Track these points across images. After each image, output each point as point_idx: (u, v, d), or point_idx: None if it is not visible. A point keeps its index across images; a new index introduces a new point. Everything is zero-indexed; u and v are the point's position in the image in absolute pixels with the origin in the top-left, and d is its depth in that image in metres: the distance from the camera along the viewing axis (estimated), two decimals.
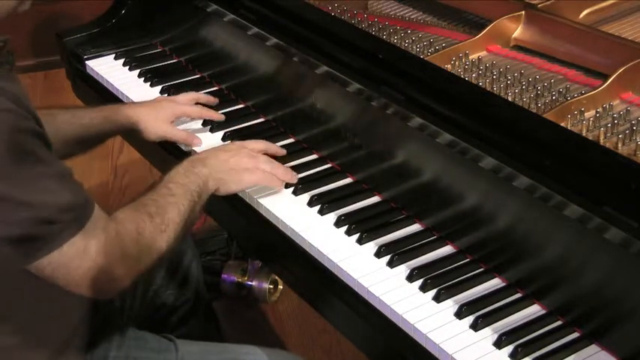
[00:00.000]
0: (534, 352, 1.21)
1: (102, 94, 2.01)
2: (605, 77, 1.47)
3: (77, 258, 1.20)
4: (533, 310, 1.28)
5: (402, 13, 1.87)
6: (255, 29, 1.80)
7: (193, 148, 1.69)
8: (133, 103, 1.74)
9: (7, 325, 1.28)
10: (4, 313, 1.28)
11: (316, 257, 1.42)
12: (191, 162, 1.47)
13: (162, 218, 1.34)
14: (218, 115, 1.76)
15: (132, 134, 1.70)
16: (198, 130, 1.77)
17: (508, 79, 1.54)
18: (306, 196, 1.54)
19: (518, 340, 1.22)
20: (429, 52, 1.65)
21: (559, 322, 1.25)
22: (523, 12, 1.67)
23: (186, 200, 1.39)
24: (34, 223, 1.15)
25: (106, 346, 1.45)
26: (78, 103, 2.24)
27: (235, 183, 1.50)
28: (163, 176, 1.44)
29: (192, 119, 1.79)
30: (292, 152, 1.67)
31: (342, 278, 1.37)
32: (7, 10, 1.26)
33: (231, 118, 1.79)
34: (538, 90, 1.51)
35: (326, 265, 1.40)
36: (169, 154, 1.76)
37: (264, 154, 1.57)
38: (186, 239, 1.84)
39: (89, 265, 1.21)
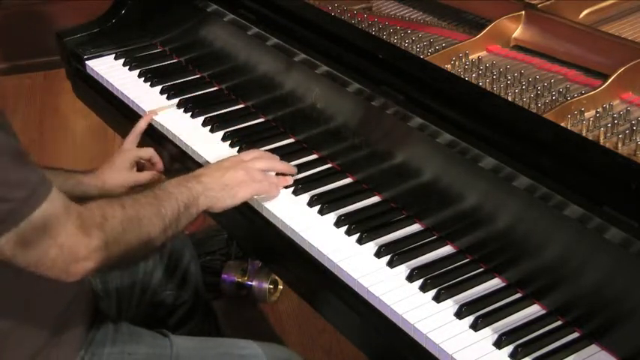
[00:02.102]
0: (534, 352, 1.21)
1: (102, 94, 2.01)
2: (605, 77, 1.47)
3: (35, 236, 1.19)
4: (533, 310, 1.28)
5: (402, 13, 1.87)
6: (255, 29, 1.80)
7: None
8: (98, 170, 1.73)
9: None
10: None
11: (316, 257, 1.42)
12: (185, 177, 1.45)
13: (136, 212, 1.32)
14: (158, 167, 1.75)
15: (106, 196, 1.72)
16: (198, 131, 1.77)
17: (508, 79, 1.54)
18: (306, 196, 1.54)
19: (518, 340, 1.22)
20: (429, 52, 1.65)
21: (559, 322, 1.25)
22: (523, 12, 1.67)
23: (170, 207, 1.37)
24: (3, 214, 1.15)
25: (100, 341, 1.45)
26: (78, 103, 2.24)
27: (230, 198, 1.47)
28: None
29: (192, 121, 1.79)
30: (292, 152, 1.67)
31: (342, 278, 1.37)
32: None
33: (231, 118, 1.79)
34: (538, 90, 1.51)
35: (326, 265, 1.40)
36: (170, 154, 1.76)
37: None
38: (184, 240, 1.84)
39: (48, 243, 1.20)
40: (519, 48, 1.66)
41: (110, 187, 1.67)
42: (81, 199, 1.62)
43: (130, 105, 1.92)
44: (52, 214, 1.20)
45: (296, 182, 1.57)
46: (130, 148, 1.73)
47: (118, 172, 1.68)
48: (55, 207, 1.21)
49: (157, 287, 1.73)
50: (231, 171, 1.48)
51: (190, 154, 1.72)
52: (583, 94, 1.46)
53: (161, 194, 1.38)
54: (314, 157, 1.66)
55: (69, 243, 1.21)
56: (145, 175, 1.71)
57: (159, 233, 1.35)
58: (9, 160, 1.19)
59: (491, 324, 1.25)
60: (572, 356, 1.21)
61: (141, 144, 1.77)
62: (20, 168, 1.20)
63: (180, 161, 1.75)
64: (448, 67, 1.59)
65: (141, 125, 1.75)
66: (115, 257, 1.29)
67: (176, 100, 1.87)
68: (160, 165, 1.72)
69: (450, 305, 1.29)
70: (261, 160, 1.54)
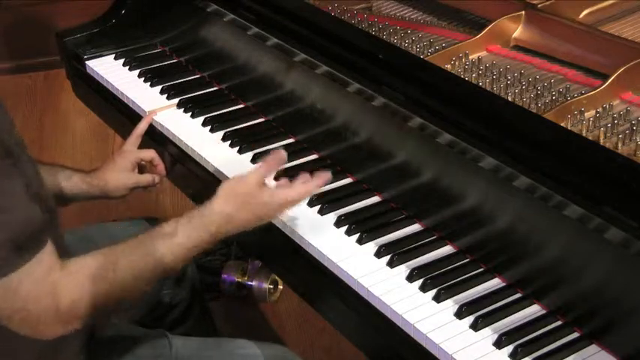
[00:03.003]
0: (534, 352, 1.21)
1: (102, 94, 2.01)
2: (605, 77, 1.47)
3: (6, 295, 1.15)
4: (533, 310, 1.28)
5: (402, 13, 1.87)
6: (255, 29, 1.80)
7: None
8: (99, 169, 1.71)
9: None
10: None
11: (316, 257, 1.42)
12: (217, 224, 1.31)
13: (120, 284, 1.23)
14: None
15: (107, 197, 1.69)
16: (198, 131, 1.77)
17: (508, 79, 1.54)
18: None
19: (518, 340, 1.22)
20: (429, 52, 1.65)
21: (559, 322, 1.25)
22: (523, 12, 1.67)
23: (173, 262, 1.30)
24: None
25: (100, 342, 1.45)
26: (78, 104, 2.24)
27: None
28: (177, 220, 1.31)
29: (192, 121, 1.80)
30: (292, 152, 1.67)
31: (342, 278, 1.37)
32: None
33: (231, 118, 1.79)
34: (538, 90, 1.51)
35: (326, 265, 1.40)
36: (170, 154, 1.76)
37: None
38: None
39: (16, 306, 1.16)
40: (519, 48, 1.66)
41: (112, 188, 1.67)
42: (77, 197, 1.63)
43: (130, 105, 1.92)
44: (31, 277, 1.15)
45: None
46: (131, 149, 1.72)
47: (120, 173, 1.68)
48: (37, 270, 1.16)
49: (154, 287, 1.73)
50: (267, 209, 1.35)
51: (190, 154, 1.72)
52: (583, 94, 1.46)
53: (162, 250, 1.28)
54: (314, 157, 1.66)
55: (38, 313, 1.17)
56: (146, 178, 1.70)
57: (141, 290, 1.30)
58: (11, 184, 1.16)
59: (491, 324, 1.25)
60: (572, 356, 1.21)
61: (141, 145, 1.77)
62: (22, 200, 1.16)
63: (180, 162, 1.75)
64: (448, 67, 1.59)
65: (141, 126, 1.74)
66: (89, 322, 1.25)
67: (176, 100, 1.87)
68: (161, 167, 1.71)
69: (450, 305, 1.29)
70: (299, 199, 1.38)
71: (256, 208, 1.34)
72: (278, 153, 1.41)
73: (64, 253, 1.27)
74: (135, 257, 1.26)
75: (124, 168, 1.68)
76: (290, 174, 1.59)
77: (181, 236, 1.29)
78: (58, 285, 1.18)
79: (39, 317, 1.18)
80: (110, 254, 1.26)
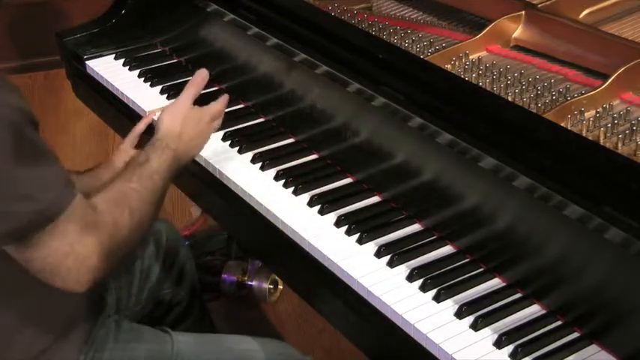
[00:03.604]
0: (534, 352, 1.21)
1: (102, 94, 2.01)
2: (605, 77, 1.47)
3: (56, 241, 1.20)
4: (533, 310, 1.28)
5: (402, 13, 1.87)
6: (255, 29, 1.80)
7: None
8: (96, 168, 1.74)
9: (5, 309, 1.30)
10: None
11: (316, 257, 1.42)
12: (173, 142, 1.50)
13: (141, 215, 1.35)
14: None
15: None
16: None
17: (508, 79, 1.54)
18: (306, 196, 1.54)
19: (518, 340, 1.22)
20: (429, 52, 1.65)
21: (559, 322, 1.25)
22: (523, 12, 1.67)
23: (165, 191, 1.45)
24: (32, 215, 1.18)
25: (102, 339, 1.46)
26: (78, 103, 2.24)
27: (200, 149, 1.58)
28: (144, 150, 1.47)
29: None
30: (292, 152, 1.67)
31: (342, 278, 1.37)
32: None
33: (231, 118, 1.79)
34: (538, 90, 1.51)
35: (326, 265, 1.40)
36: None
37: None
38: (179, 239, 1.85)
39: (66, 250, 1.21)
40: (519, 48, 1.66)
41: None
42: None
43: (130, 105, 1.92)
44: (73, 221, 1.22)
45: (296, 182, 1.57)
46: (129, 148, 1.73)
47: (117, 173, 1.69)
48: (76, 213, 1.23)
49: (154, 286, 1.74)
50: (205, 127, 1.58)
51: None
52: (583, 94, 1.46)
53: (159, 181, 1.42)
54: (314, 157, 1.66)
55: (85, 253, 1.23)
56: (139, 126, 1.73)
57: (152, 219, 1.41)
58: (38, 158, 1.21)
59: (491, 324, 1.25)
60: (572, 356, 1.21)
61: (140, 144, 1.76)
62: (48, 167, 1.22)
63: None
64: (448, 67, 1.59)
65: (140, 126, 1.75)
66: (119, 262, 1.32)
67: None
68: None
69: (450, 305, 1.29)
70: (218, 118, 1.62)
71: (195, 125, 1.56)
72: (200, 72, 1.61)
73: None
74: (133, 185, 1.38)
75: (121, 167, 1.68)
76: (290, 174, 1.59)
77: (154, 160, 1.45)
78: (97, 221, 1.26)
79: (86, 257, 1.23)
80: (117, 187, 1.37)
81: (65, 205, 1.21)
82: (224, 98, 1.62)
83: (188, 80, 1.93)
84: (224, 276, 2.46)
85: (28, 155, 1.19)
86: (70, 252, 1.21)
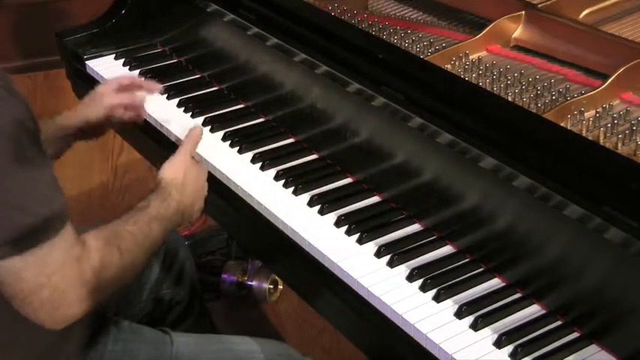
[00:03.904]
0: (534, 352, 1.21)
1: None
2: (605, 77, 1.47)
3: (33, 268, 1.16)
4: (533, 310, 1.28)
5: (402, 13, 1.87)
6: (255, 29, 1.80)
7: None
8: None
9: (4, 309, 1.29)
10: None
11: (316, 257, 1.42)
12: (176, 190, 1.48)
13: (132, 258, 1.31)
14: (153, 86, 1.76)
15: (90, 129, 1.74)
16: None
17: (508, 79, 1.54)
18: (306, 196, 1.54)
19: (518, 340, 1.22)
20: (429, 52, 1.65)
21: (559, 322, 1.25)
22: (523, 12, 1.67)
23: (161, 241, 1.41)
24: (24, 228, 1.14)
25: (102, 340, 1.46)
26: (78, 104, 2.24)
27: (198, 210, 1.55)
28: (146, 198, 1.44)
29: (192, 121, 1.80)
30: (292, 152, 1.67)
31: (342, 278, 1.37)
32: None
33: (231, 118, 1.79)
34: (538, 90, 1.51)
35: (326, 265, 1.40)
36: (170, 154, 1.76)
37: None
38: (178, 239, 1.85)
39: (42, 281, 1.17)
40: (519, 48, 1.66)
41: (93, 122, 1.71)
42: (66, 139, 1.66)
43: None
44: (56, 252, 1.18)
45: (296, 182, 1.57)
46: (109, 91, 1.72)
47: (98, 108, 1.71)
48: (61, 244, 1.19)
49: (154, 286, 1.74)
50: (201, 178, 1.56)
51: None
52: (583, 94, 1.46)
53: (156, 228, 1.39)
54: (314, 157, 1.66)
55: (63, 287, 1.18)
56: (127, 116, 1.73)
57: (143, 264, 1.38)
58: (41, 172, 1.18)
59: (491, 324, 1.25)
60: (572, 356, 1.21)
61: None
62: (49, 185, 1.19)
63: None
64: (448, 67, 1.59)
65: (125, 81, 1.74)
66: (101, 301, 1.27)
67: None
68: (144, 86, 1.73)
69: (450, 305, 1.29)
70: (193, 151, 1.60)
71: (196, 180, 1.55)
72: (194, 128, 1.61)
73: None
74: (129, 227, 1.34)
75: (101, 105, 1.70)
76: (290, 174, 1.59)
77: (155, 206, 1.42)
78: (82, 257, 1.22)
79: (64, 292, 1.19)
80: (111, 226, 1.33)
81: (50, 235, 1.17)
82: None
83: (188, 80, 1.97)
84: (224, 276, 2.46)
85: (21, 170, 1.15)
86: (47, 284, 1.17)
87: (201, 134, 1.62)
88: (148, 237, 1.37)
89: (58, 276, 1.18)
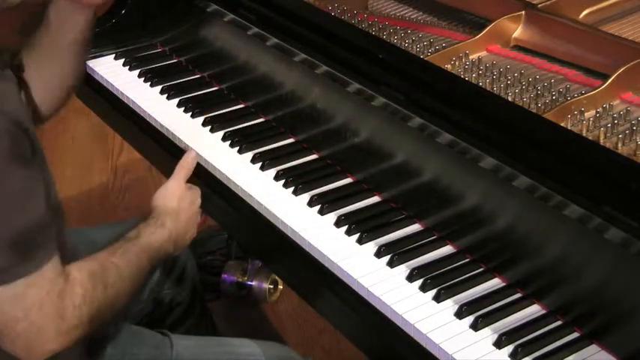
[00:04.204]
0: (534, 352, 1.21)
1: (102, 94, 2.01)
2: (605, 77, 1.47)
3: (10, 302, 1.13)
4: (533, 310, 1.28)
5: (402, 13, 1.87)
6: (255, 29, 1.80)
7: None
8: None
9: None
10: None
11: (316, 257, 1.42)
12: (169, 219, 1.45)
13: (116, 292, 1.27)
14: None
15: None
16: (199, 131, 1.77)
17: (508, 79, 1.54)
18: (306, 196, 1.54)
19: (518, 340, 1.22)
20: (429, 52, 1.65)
21: (559, 322, 1.25)
22: (523, 12, 1.67)
23: (149, 271, 1.39)
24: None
25: (102, 343, 1.45)
26: (78, 103, 2.24)
27: (189, 239, 1.53)
28: (136, 227, 1.40)
29: (192, 121, 1.80)
30: (292, 152, 1.67)
31: (342, 278, 1.37)
32: None
33: (231, 118, 1.79)
34: (538, 90, 1.51)
35: (326, 265, 1.40)
36: (170, 154, 1.76)
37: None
38: None
39: (18, 315, 1.14)
40: (519, 48, 1.66)
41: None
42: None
43: (130, 105, 1.92)
44: (36, 287, 1.14)
45: (296, 182, 1.57)
46: None
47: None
48: (43, 280, 1.15)
49: (155, 286, 1.74)
50: (192, 211, 1.53)
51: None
52: (583, 94, 1.46)
53: (145, 260, 1.36)
54: (314, 157, 1.66)
55: (40, 323, 1.15)
56: None
57: (129, 297, 1.34)
58: (27, 202, 1.15)
59: (491, 324, 1.25)
60: (572, 356, 1.21)
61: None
62: (47, 210, 1.17)
63: (178, 160, 1.75)
64: (448, 67, 1.59)
65: None
66: (85, 333, 1.24)
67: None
68: None
69: (450, 305, 1.29)
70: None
71: (190, 207, 1.52)
72: (187, 155, 1.58)
73: (68, 252, 1.28)
74: (115, 259, 1.30)
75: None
76: (290, 174, 1.59)
77: (146, 236, 1.38)
78: (63, 292, 1.18)
79: (41, 328, 1.15)
80: (100, 260, 1.28)
81: (30, 268, 1.13)
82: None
83: (188, 80, 1.96)
84: (224, 276, 2.46)
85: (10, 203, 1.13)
86: (23, 318, 1.14)
87: (195, 159, 1.58)
88: (135, 270, 1.32)
89: (35, 311, 1.14)
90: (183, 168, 1.55)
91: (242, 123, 1.78)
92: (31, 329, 1.15)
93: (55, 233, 1.19)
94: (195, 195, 1.54)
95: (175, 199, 1.49)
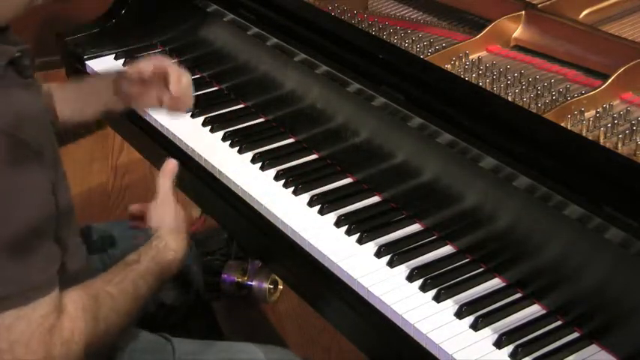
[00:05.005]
0: (534, 352, 1.21)
1: None
2: (605, 77, 1.47)
3: (7, 330, 1.11)
4: (533, 310, 1.28)
5: (402, 13, 1.87)
6: (255, 29, 1.80)
7: None
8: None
9: None
10: None
11: (316, 257, 1.42)
12: (170, 237, 1.40)
13: (108, 326, 1.24)
14: None
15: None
16: (199, 131, 1.77)
17: (508, 79, 1.54)
18: (306, 196, 1.54)
19: (518, 340, 1.23)
20: (429, 52, 1.65)
21: (559, 322, 1.26)
22: (523, 12, 1.67)
23: (150, 294, 1.35)
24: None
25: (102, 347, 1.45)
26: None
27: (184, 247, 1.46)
28: (135, 251, 1.37)
29: (192, 121, 1.80)
30: (292, 152, 1.67)
31: (342, 278, 1.37)
32: (23, 4, 1.22)
33: (231, 118, 1.79)
34: (538, 90, 1.51)
35: (326, 265, 1.40)
36: (170, 154, 1.76)
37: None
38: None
39: (3, 346, 1.11)
40: (519, 48, 1.66)
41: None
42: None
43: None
44: (26, 321, 1.12)
45: (296, 182, 1.57)
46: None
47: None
48: (35, 315, 1.12)
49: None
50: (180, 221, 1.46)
51: (190, 154, 1.73)
52: (583, 94, 1.46)
53: (144, 288, 1.32)
54: (314, 157, 1.66)
55: (25, 359, 1.12)
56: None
57: (124, 327, 1.31)
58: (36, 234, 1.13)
59: (491, 324, 1.26)
60: (572, 356, 1.21)
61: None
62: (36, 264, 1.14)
63: (181, 162, 1.75)
64: (448, 67, 1.59)
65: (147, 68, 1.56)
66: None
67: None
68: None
69: (450, 305, 1.29)
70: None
71: (184, 222, 1.46)
72: (168, 162, 1.48)
73: (76, 252, 1.29)
74: (110, 289, 1.27)
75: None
76: (290, 174, 1.59)
77: (146, 261, 1.35)
78: (53, 328, 1.15)
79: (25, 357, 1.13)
80: (94, 290, 1.25)
81: (24, 301, 1.11)
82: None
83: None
84: (224, 276, 2.46)
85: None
86: (8, 350, 1.11)
87: (176, 166, 1.48)
88: (131, 300, 1.29)
89: (21, 346, 1.12)
90: (167, 177, 1.47)
91: (242, 123, 1.79)
92: (27, 352, 1.13)
93: (58, 261, 1.17)
94: (182, 210, 1.48)
95: (172, 215, 1.44)
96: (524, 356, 1.21)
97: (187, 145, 1.73)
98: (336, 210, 1.50)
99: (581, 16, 1.67)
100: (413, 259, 1.38)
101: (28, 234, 1.13)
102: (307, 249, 1.44)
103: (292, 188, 1.56)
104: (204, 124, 1.79)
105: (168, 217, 1.43)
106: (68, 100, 1.60)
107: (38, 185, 1.16)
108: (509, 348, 1.22)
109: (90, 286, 1.26)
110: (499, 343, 1.22)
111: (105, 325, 1.24)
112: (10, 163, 1.11)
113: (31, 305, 1.12)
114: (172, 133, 1.78)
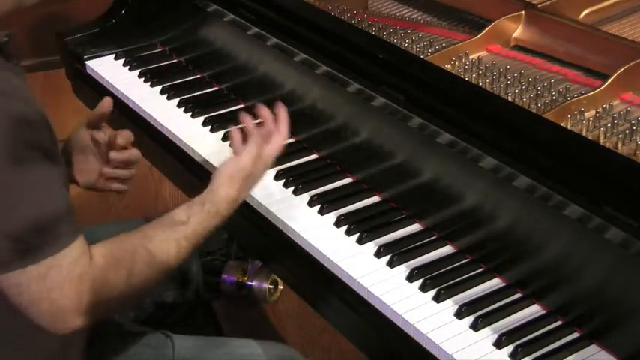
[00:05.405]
0: (534, 352, 1.21)
1: (102, 95, 2.00)
2: (605, 77, 1.47)
3: (34, 283, 1.16)
4: (533, 310, 1.28)
5: (402, 13, 1.87)
6: (255, 29, 1.80)
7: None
8: None
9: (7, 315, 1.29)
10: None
11: (316, 257, 1.42)
12: (226, 208, 1.38)
13: (140, 281, 1.27)
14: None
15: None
16: (199, 131, 1.77)
17: (508, 79, 1.54)
18: (306, 196, 1.54)
19: (518, 340, 1.22)
20: (429, 52, 1.65)
21: (559, 322, 1.25)
22: (523, 12, 1.67)
23: (186, 256, 1.34)
24: (28, 231, 1.14)
25: (104, 343, 1.46)
26: (78, 103, 2.24)
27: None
28: (186, 206, 1.35)
29: (192, 121, 1.80)
30: (292, 152, 1.67)
31: (342, 278, 1.37)
32: (12, 3, 1.23)
33: (230, 118, 1.79)
34: (538, 90, 1.51)
35: (326, 265, 1.40)
36: (170, 154, 1.76)
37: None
38: None
39: (42, 295, 1.17)
40: (519, 48, 1.66)
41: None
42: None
43: (130, 105, 1.92)
44: (58, 268, 1.17)
45: (296, 182, 1.57)
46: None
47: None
48: (65, 261, 1.17)
49: (158, 286, 1.73)
50: (255, 170, 1.42)
51: (190, 154, 1.73)
52: (583, 94, 1.46)
53: (183, 248, 1.32)
54: (314, 157, 1.66)
55: (61, 304, 1.18)
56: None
57: (157, 284, 1.32)
58: (53, 187, 1.18)
59: (491, 324, 1.26)
60: (572, 356, 1.21)
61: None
62: (63, 201, 1.19)
63: (181, 162, 1.75)
64: (448, 67, 1.59)
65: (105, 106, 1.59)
66: (105, 315, 1.28)
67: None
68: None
69: (450, 305, 1.29)
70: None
71: (254, 181, 1.43)
72: (246, 120, 1.45)
73: None
74: (151, 246, 1.29)
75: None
76: (290, 174, 1.59)
77: (194, 224, 1.34)
78: (85, 275, 1.20)
79: (61, 307, 1.18)
80: (128, 243, 1.28)
81: (52, 249, 1.16)
82: (280, 134, 1.46)
83: (188, 80, 1.96)
84: (224, 276, 2.45)
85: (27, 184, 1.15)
86: (46, 298, 1.17)
87: (251, 125, 1.44)
88: (171, 258, 1.30)
89: (57, 292, 1.17)
90: (256, 146, 1.42)
91: (242, 123, 1.78)
92: (53, 308, 1.18)
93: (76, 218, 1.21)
94: (261, 173, 1.43)
95: (238, 182, 1.38)
96: (524, 356, 1.21)
97: (187, 145, 1.73)
98: (336, 210, 1.50)
99: (581, 16, 1.67)
100: (413, 259, 1.38)
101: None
102: (307, 249, 1.44)
103: (292, 188, 1.56)
104: (204, 124, 1.79)
105: (233, 182, 1.38)
106: None
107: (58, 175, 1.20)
108: (509, 348, 1.22)
109: (126, 240, 1.28)
110: (499, 343, 1.22)
111: (138, 280, 1.26)
112: (13, 153, 1.15)
113: (61, 253, 1.16)
114: (172, 133, 1.78)
